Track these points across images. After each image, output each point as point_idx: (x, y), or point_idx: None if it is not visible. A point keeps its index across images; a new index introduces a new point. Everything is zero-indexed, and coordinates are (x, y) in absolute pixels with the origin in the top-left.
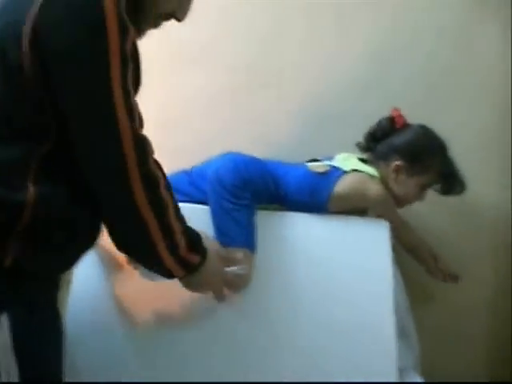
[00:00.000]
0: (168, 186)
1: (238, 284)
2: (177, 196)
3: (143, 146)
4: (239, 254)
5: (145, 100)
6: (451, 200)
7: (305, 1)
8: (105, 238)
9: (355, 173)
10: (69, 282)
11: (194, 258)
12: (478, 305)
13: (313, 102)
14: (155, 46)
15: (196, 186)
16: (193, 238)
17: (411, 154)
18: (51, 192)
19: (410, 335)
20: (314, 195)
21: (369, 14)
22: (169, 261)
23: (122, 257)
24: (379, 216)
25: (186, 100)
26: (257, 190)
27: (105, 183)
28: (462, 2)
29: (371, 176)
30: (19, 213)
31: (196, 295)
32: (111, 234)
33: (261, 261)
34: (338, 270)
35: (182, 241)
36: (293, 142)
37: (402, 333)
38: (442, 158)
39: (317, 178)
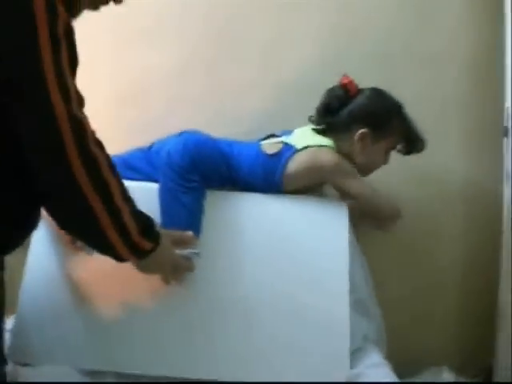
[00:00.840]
0: (112, 166)
1: (183, 268)
2: (132, 174)
3: (80, 127)
4: (190, 235)
5: (102, 75)
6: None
7: None
8: None
9: (306, 150)
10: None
11: (147, 245)
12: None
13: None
14: (113, 20)
15: (153, 164)
16: (145, 222)
17: (373, 120)
18: None
19: (371, 310)
20: (267, 177)
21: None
22: (120, 246)
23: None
24: (339, 185)
25: (145, 75)
26: (207, 173)
27: (46, 167)
28: None
29: (322, 146)
30: None
31: (153, 279)
32: (59, 222)
33: (217, 242)
34: (294, 249)
35: (132, 224)
36: (258, 117)
37: (360, 307)
38: (402, 117)
39: (268, 159)
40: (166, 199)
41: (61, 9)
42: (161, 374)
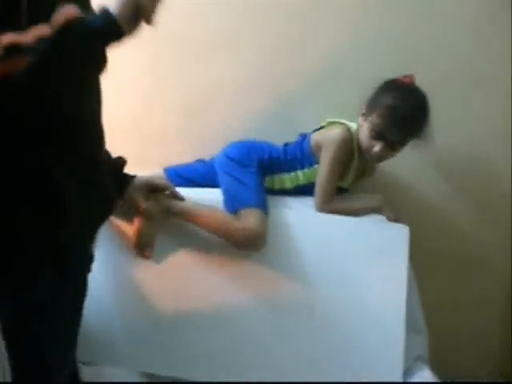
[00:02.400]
0: None
1: (251, 242)
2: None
3: None
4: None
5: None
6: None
7: None
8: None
9: (332, 124)
10: None
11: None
12: (490, 299)
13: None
14: (185, 32)
15: (213, 172)
16: None
17: (370, 98)
18: None
19: (420, 329)
20: (302, 151)
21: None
22: None
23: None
24: (322, 155)
25: (213, 87)
26: (261, 159)
27: None
28: None
29: (342, 124)
30: None
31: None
32: None
33: (277, 252)
34: (355, 267)
35: None
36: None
37: (412, 327)
38: (394, 96)
39: (304, 137)
40: (229, 184)
41: None
42: (221, 381)
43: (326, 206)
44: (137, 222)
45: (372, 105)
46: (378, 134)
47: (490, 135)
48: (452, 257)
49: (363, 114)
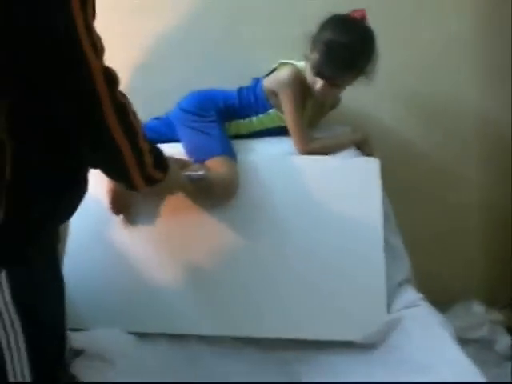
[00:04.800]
0: (135, 113)
1: (224, 190)
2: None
3: (112, 79)
4: (190, 161)
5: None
6: None
7: None
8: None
9: (282, 65)
10: (65, 232)
11: (158, 175)
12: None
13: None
14: None
15: (171, 127)
16: (157, 155)
17: (314, 34)
18: (29, 148)
19: (399, 251)
20: (256, 96)
21: None
22: (137, 177)
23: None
24: (281, 100)
25: (161, 43)
26: (217, 107)
27: (80, 118)
28: None
29: (291, 64)
30: (2, 169)
31: (198, 238)
32: (88, 160)
33: (251, 200)
34: (329, 203)
35: (148, 159)
36: None
37: (391, 254)
38: (332, 31)
39: (257, 81)
40: (192, 136)
41: None
42: (212, 334)
43: (307, 147)
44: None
45: (313, 41)
46: (316, 71)
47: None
48: (422, 182)
49: (308, 50)
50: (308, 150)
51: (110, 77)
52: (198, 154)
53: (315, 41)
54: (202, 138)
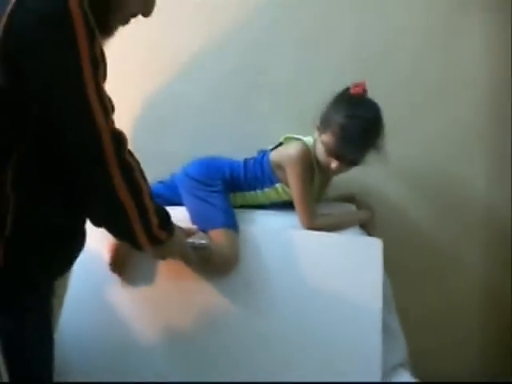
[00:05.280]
0: (142, 171)
1: (224, 263)
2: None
3: (119, 140)
4: (194, 228)
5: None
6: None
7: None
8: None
9: (288, 140)
10: (64, 287)
11: (163, 235)
12: (469, 302)
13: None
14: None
15: (175, 191)
16: (164, 216)
17: (324, 113)
18: (31, 199)
19: (396, 334)
20: (262, 169)
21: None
22: (142, 237)
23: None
24: (288, 176)
25: (175, 104)
26: (224, 177)
27: (86, 175)
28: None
29: (299, 140)
30: (3, 219)
31: (195, 304)
32: (92, 217)
33: (249, 272)
34: (330, 280)
35: (154, 219)
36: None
37: (387, 332)
38: (345, 115)
39: (263, 154)
40: (196, 205)
41: (96, 29)
42: None
43: (313, 223)
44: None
45: (324, 122)
46: (332, 153)
47: (448, 142)
48: (423, 262)
49: (318, 129)
50: (314, 226)
51: (119, 138)
52: (201, 224)
53: (327, 121)
54: (207, 207)
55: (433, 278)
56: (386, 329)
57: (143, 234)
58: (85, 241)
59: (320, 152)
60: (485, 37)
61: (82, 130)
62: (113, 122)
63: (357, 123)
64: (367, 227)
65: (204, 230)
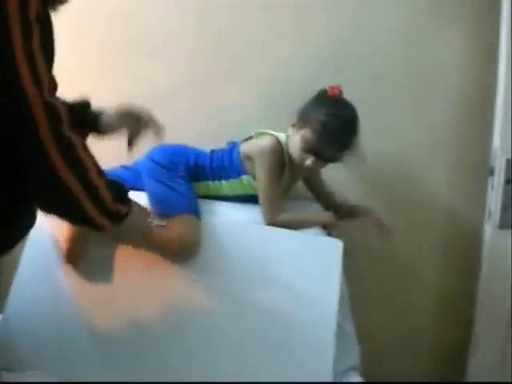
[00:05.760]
0: (86, 147)
1: (184, 249)
2: None
3: (55, 113)
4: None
5: (104, 88)
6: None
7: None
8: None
9: (260, 134)
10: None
11: (122, 208)
12: (423, 305)
13: (270, 97)
14: (114, 33)
15: (138, 176)
16: (118, 190)
17: (302, 111)
18: None
19: (349, 337)
20: (230, 160)
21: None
22: (98, 217)
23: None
24: (256, 168)
25: (146, 90)
26: (189, 164)
27: (22, 153)
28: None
29: (271, 134)
30: None
31: (150, 293)
32: (40, 203)
33: (207, 262)
34: (286, 278)
35: (106, 194)
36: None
37: (342, 339)
38: (327, 113)
39: (233, 146)
40: (159, 191)
41: None
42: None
43: (274, 219)
44: (68, 230)
45: (304, 119)
46: (310, 149)
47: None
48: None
49: (293, 126)
50: (275, 222)
51: (53, 110)
52: (163, 209)
53: (307, 118)
54: (169, 192)
55: (391, 284)
56: (340, 331)
57: (98, 214)
58: (32, 221)
59: (294, 149)
60: (464, 40)
61: (10, 98)
62: (49, 95)
63: (338, 121)
64: (330, 231)
65: (165, 216)
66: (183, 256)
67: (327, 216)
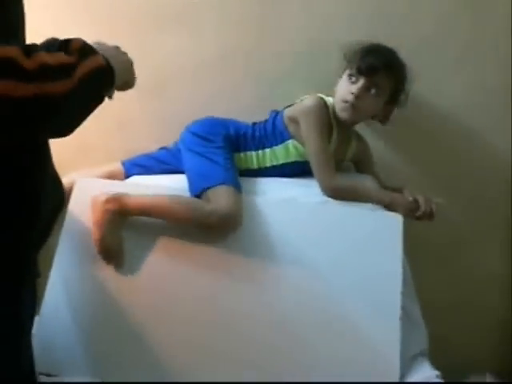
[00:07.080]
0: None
1: (226, 223)
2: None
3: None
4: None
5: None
6: None
7: None
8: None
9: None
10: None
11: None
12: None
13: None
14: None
15: (179, 158)
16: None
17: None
18: None
19: (417, 322)
20: (275, 124)
21: None
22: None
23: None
24: (302, 129)
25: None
26: (227, 134)
27: None
28: None
29: (317, 95)
30: None
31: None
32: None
33: (270, 244)
34: (344, 258)
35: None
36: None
37: (408, 320)
38: (365, 49)
39: (277, 112)
40: (196, 161)
41: None
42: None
43: (333, 182)
44: (98, 228)
45: (347, 64)
46: (354, 71)
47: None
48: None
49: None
50: (334, 186)
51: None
52: (200, 182)
53: (349, 62)
54: (206, 164)
55: (455, 265)
56: (405, 314)
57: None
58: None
59: (341, 89)
60: None
61: None
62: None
63: (382, 46)
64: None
65: (202, 189)
66: (224, 230)
67: (387, 198)
